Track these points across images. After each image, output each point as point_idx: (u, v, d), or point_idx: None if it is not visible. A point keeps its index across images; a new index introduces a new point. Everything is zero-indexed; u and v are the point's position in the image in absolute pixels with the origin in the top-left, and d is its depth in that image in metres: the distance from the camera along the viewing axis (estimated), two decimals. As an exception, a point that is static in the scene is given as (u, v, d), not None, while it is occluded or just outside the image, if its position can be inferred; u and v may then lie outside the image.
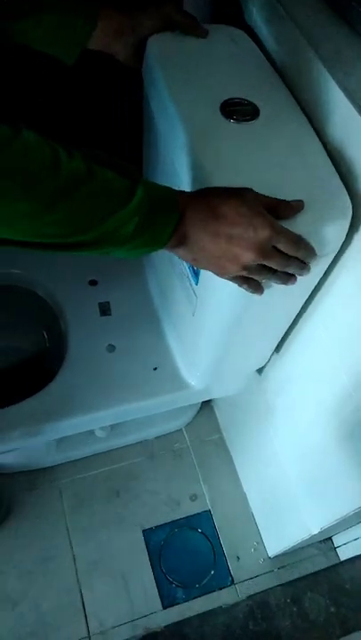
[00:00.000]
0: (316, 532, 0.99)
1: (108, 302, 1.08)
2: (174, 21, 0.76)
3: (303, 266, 0.60)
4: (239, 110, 0.70)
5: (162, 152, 0.80)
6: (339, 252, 0.67)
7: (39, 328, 1.21)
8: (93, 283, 1.11)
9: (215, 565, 1.24)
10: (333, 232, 0.62)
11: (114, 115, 1.17)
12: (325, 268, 0.70)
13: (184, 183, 0.69)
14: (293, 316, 0.81)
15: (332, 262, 0.70)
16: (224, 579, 1.22)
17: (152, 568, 1.22)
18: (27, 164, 0.47)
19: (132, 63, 0.78)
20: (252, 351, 0.92)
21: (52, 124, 0.91)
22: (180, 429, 1.41)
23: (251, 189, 0.57)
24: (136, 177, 0.54)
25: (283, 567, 1.24)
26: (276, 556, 1.24)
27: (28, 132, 0.47)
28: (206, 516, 1.29)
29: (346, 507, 0.87)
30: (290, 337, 0.89)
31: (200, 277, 0.78)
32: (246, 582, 1.22)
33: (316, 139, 0.68)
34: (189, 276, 0.83)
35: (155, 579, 1.20)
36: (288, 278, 0.61)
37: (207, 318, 0.82)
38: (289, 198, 0.59)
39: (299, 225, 0.59)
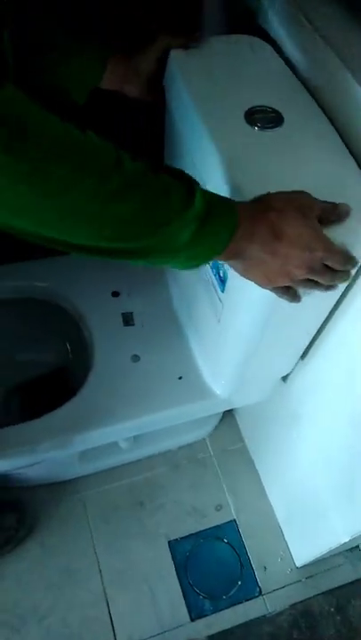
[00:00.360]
0: (346, 539, 0.98)
1: (132, 312, 1.09)
2: (173, 47, 0.78)
3: (347, 277, 0.61)
4: (263, 118, 0.71)
5: (188, 163, 0.81)
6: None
7: (62, 340, 1.22)
8: (116, 294, 1.12)
9: (242, 576, 1.22)
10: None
11: (131, 128, 1.18)
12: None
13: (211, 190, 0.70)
14: (322, 320, 0.81)
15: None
16: (252, 590, 1.21)
17: (178, 579, 1.21)
18: (96, 162, 0.47)
19: (146, 99, 0.81)
20: (279, 357, 0.92)
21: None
22: (203, 439, 1.40)
23: (308, 195, 0.58)
24: (192, 182, 0.54)
25: (311, 577, 1.23)
26: (303, 566, 1.23)
27: (91, 132, 0.47)
28: (232, 526, 1.28)
29: (378, 513, 0.86)
30: (316, 342, 0.88)
31: (227, 284, 0.78)
32: (274, 593, 1.21)
33: (343, 145, 0.69)
34: (215, 283, 0.83)
35: (181, 590, 1.19)
36: (330, 288, 0.61)
37: (234, 325, 0.82)
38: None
39: (339, 234, 0.59)
